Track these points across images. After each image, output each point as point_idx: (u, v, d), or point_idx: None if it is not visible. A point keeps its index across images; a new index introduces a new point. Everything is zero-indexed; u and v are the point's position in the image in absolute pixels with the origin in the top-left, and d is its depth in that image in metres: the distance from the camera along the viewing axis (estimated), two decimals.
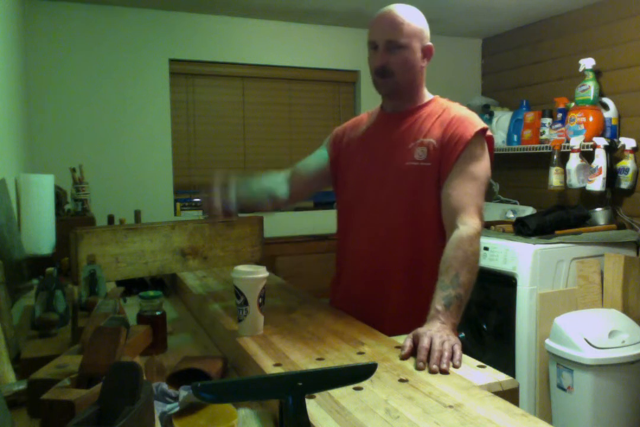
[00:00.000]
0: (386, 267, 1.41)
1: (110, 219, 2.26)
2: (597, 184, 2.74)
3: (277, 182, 1.53)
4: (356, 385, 0.91)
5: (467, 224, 1.28)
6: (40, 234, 2.01)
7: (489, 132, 1.39)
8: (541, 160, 3.19)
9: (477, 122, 1.37)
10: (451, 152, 1.34)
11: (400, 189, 1.39)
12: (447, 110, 1.42)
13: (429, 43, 1.42)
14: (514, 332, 2.54)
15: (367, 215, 1.45)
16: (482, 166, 1.36)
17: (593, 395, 2.30)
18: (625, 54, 2.86)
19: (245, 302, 1.17)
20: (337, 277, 1.57)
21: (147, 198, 3.08)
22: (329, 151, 1.59)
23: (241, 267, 1.19)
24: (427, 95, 1.48)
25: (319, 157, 1.58)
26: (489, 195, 3.72)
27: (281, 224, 3.27)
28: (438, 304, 1.16)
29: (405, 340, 1.09)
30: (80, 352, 0.94)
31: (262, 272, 1.19)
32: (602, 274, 2.61)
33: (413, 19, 1.38)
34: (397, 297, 1.40)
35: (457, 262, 1.22)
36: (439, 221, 1.36)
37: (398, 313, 1.39)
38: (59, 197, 2.29)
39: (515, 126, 3.31)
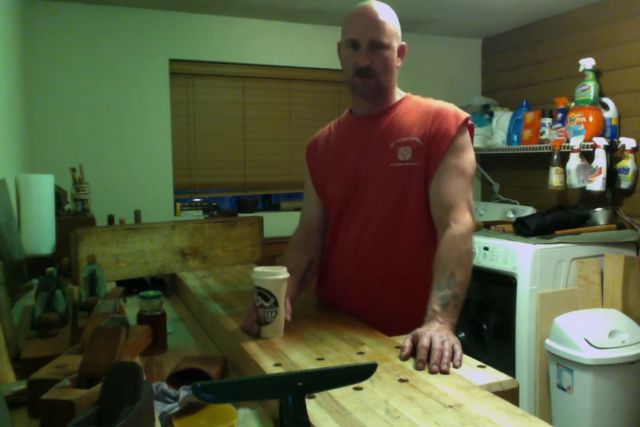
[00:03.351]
0: (377, 271, 1.39)
1: (110, 219, 2.26)
2: (597, 184, 2.74)
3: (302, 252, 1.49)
4: (356, 385, 0.91)
5: (459, 222, 1.27)
6: (40, 234, 2.01)
7: (470, 121, 1.38)
8: (541, 160, 3.19)
9: (459, 114, 1.35)
10: (437, 148, 1.32)
11: (386, 190, 1.36)
12: (424, 105, 1.39)
13: (403, 42, 1.40)
14: (514, 332, 2.54)
15: (354, 218, 1.41)
16: (469, 158, 1.35)
17: (593, 395, 2.30)
18: (625, 54, 2.86)
19: (276, 304, 1.16)
20: (323, 280, 1.53)
21: (147, 198, 3.08)
22: (308, 166, 1.55)
23: (264, 269, 1.18)
24: (400, 93, 1.45)
25: (314, 197, 1.53)
26: (489, 195, 3.72)
27: (281, 224, 3.27)
28: (435, 304, 1.15)
29: (404, 340, 1.09)
30: (80, 352, 0.94)
31: (285, 271, 1.19)
32: (602, 274, 2.61)
33: (392, 18, 1.35)
34: (388, 300, 1.38)
35: (452, 261, 1.21)
36: (426, 218, 1.34)
37: (391, 316, 1.37)
38: (59, 197, 2.30)
39: (515, 126, 3.31)
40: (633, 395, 2.36)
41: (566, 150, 2.89)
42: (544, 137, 3.09)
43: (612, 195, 2.86)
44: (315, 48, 3.42)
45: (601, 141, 2.74)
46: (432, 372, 0.98)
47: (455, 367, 1.01)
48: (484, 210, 3.48)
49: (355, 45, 1.34)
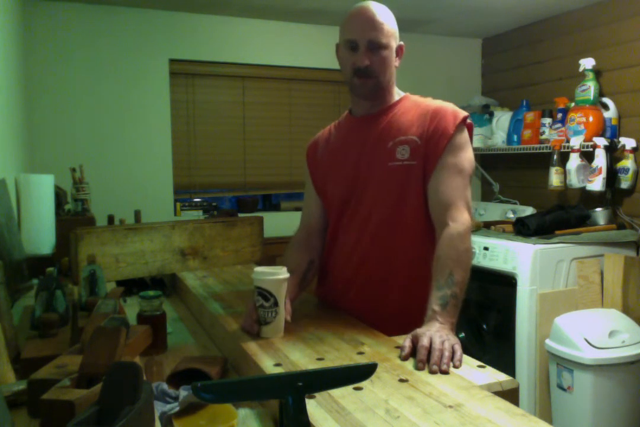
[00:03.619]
0: (377, 271, 1.39)
1: (110, 219, 2.26)
2: (597, 184, 2.74)
3: (303, 253, 1.48)
4: (356, 385, 0.91)
5: (457, 221, 1.26)
6: (40, 234, 2.01)
7: (468, 120, 1.37)
8: (541, 160, 3.19)
9: (457, 113, 1.35)
10: (435, 146, 1.31)
11: (384, 190, 1.36)
12: (423, 104, 1.39)
13: (401, 42, 1.40)
14: (514, 332, 2.54)
15: (353, 218, 1.41)
16: (467, 157, 1.34)
17: (593, 395, 2.30)
18: (625, 54, 2.86)
19: (276, 303, 1.16)
20: (323, 280, 1.53)
21: (147, 198, 3.08)
22: (308, 167, 1.55)
23: (264, 269, 1.18)
24: (399, 93, 1.45)
25: (314, 197, 1.53)
26: (489, 195, 3.72)
27: (281, 224, 3.27)
28: (435, 304, 1.15)
29: (404, 340, 1.09)
30: (80, 352, 0.94)
31: (285, 271, 1.19)
32: (602, 274, 2.61)
33: (389, 18, 1.35)
34: (388, 300, 1.38)
35: (451, 260, 1.21)
36: (426, 218, 1.34)
37: (391, 316, 1.36)
38: (59, 197, 2.30)
39: (515, 126, 3.31)
40: (633, 395, 2.36)
41: (566, 150, 2.89)
42: (544, 137, 3.09)
43: (612, 195, 2.86)
44: (315, 48, 3.42)
45: (601, 141, 2.74)
46: (432, 372, 0.98)
47: (455, 367, 1.01)
48: (484, 210, 3.48)
49: (354, 46, 1.34)
